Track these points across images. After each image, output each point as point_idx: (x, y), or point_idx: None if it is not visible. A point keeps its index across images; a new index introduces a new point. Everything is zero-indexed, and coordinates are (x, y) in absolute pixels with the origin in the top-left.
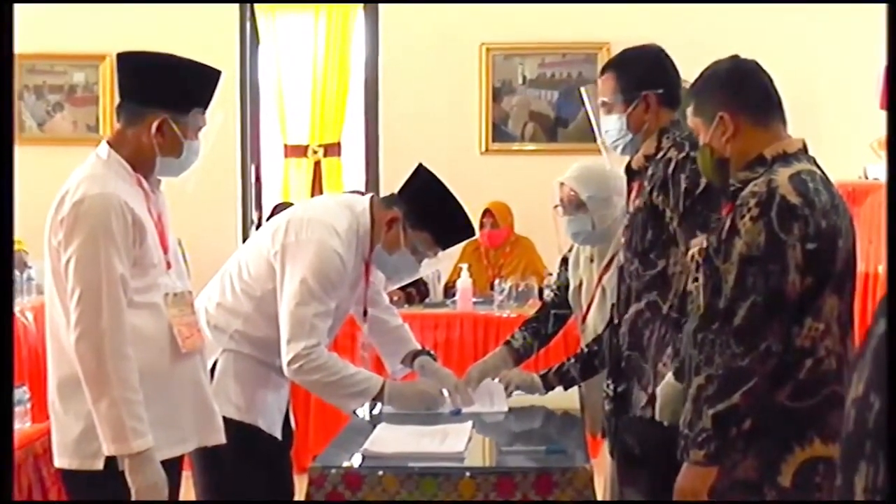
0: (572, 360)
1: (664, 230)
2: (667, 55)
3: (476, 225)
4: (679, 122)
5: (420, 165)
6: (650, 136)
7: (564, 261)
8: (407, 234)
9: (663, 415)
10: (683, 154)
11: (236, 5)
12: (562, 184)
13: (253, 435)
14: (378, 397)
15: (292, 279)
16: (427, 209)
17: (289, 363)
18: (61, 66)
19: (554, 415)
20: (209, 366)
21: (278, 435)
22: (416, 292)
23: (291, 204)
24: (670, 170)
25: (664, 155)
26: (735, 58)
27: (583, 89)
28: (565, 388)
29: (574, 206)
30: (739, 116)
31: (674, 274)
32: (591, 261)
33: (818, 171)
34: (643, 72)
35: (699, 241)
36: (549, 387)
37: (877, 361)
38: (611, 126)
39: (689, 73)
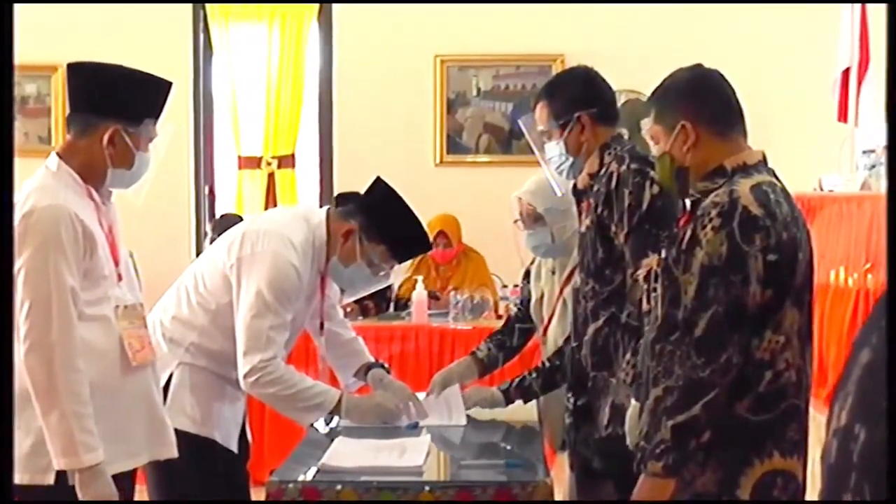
0: (533, 375)
1: (615, 245)
2: (596, 73)
3: None
4: (620, 136)
5: (378, 178)
6: (591, 154)
7: (527, 274)
8: (363, 246)
9: (632, 438)
10: (625, 166)
11: (189, 15)
12: (519, 198)
13: (209, 448)
14: (335, 411)
15: (248, 291)
16: (384, 222)
17: (245, 376)
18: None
19: (513, 428)
20: (164, 379)
21: (234, 448)
22: (372, 304)
23: (237, 215)
24: (613, 184)
25: (607, 170)
26: (698, 66)
27: (520, 121)
28: (525, 402)
29: (533, 219)
30: (700, 126)
31: (631, 286)
32: (553, 273)
33: (778, 183)
34: (572, 94)
35: (649, 262)
36: (509, 401)
37: (863, 392)
38: (552, 153)
39: (641, 83)
